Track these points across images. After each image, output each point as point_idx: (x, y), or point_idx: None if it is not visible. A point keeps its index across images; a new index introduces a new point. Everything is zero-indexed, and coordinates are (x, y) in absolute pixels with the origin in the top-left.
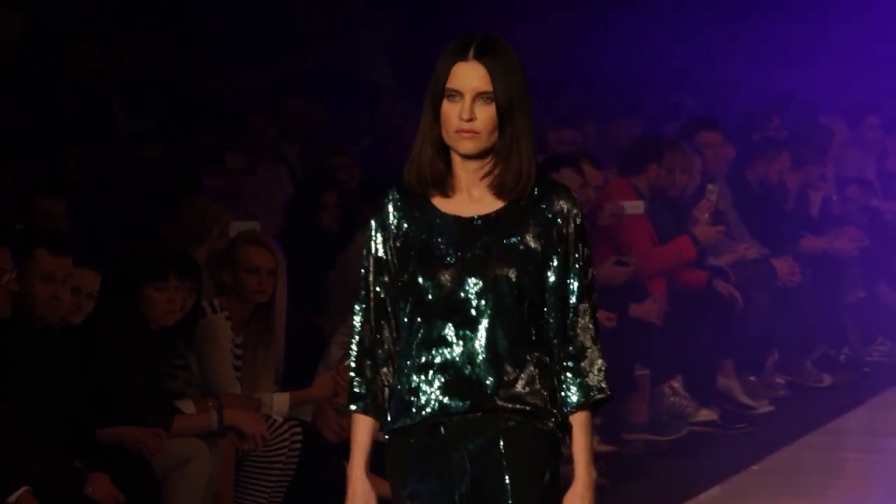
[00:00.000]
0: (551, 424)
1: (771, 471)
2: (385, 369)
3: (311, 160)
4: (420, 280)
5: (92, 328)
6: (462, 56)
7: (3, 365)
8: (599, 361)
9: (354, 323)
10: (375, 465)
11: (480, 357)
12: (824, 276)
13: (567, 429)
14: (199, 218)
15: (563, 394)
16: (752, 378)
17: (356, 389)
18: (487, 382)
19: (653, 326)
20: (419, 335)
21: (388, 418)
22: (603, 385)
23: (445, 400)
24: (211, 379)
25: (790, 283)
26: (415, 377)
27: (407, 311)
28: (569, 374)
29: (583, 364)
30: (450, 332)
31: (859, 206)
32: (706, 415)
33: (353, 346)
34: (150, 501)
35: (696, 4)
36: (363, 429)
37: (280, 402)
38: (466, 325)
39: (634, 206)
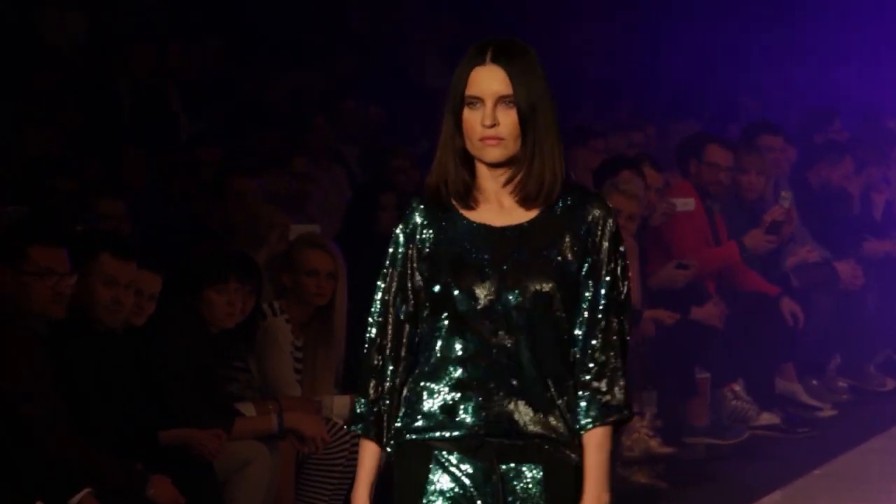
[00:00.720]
0: (577, 455)
1: (833, 475)
2: (392, 392)
3: (369, 162)
4: (455, 292)
5: (152, 330)
6: (479, 61)
7: (63, 367)
8: (622, 381)
9: (367, 341)
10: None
11: (522, 376)
12: (887, 280)
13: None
14: (257, 221)
15: (580, 412)
16: (814, 382)
17: (360, 410)
18: (529, 403)
19: (714, 329)
20: (456, 350)
21: (408, 429)
22: (623, 406)
23: (483, 419)
24: (271, 382)
25: (853, 286)
26: (449, 393)
27: (439, 324)
28: (588, 393)
29: (603, 382)
30: (483, 347)
31: None
32: (768, 418)
33: (365, 366)
34: None
35: (754, 7)
36: (368, 453)
37: (340, 404)
38: (504, 340)
39: (685, 204)
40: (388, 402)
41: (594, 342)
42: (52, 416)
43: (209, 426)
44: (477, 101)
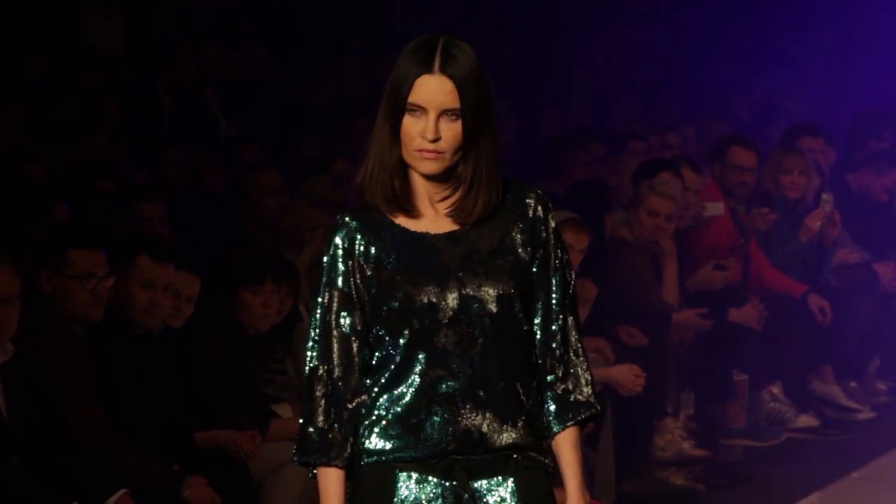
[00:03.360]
0: (550, 459)
1: (871, 478)
2: (346, 416)
3: None
4: (415, 306)
5: (189, 332)
6: (426, 68)
7: (101, 369)
8: (587, 375)
9: (309, 366)
10: None
11: (489, 383)
12: None
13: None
14: (300, 224)
15: (550, 415)
16: (852, 384)
17: (315, 440)
18: (499, 412)
19: (752, 331)
20: (418, 366)
21: (371, 451)
22: (592, 401)
23: (450, 438)
24: None
25: (893, 288)
26: (413, 415)
27: (399, 341)
28: (555, 394)
29: (570, 382)
30: (453, 361)
31: None
32: (806, 421)
33: (311, 392)
34: None
35: (796, 10)
36: (332, 480)
37: None
38: (471, 353)
39: (715, 208)
40: (343, 427)
41: (554, 343)
42: (90, 417)
43: (245, 427)
44: (419, 109)
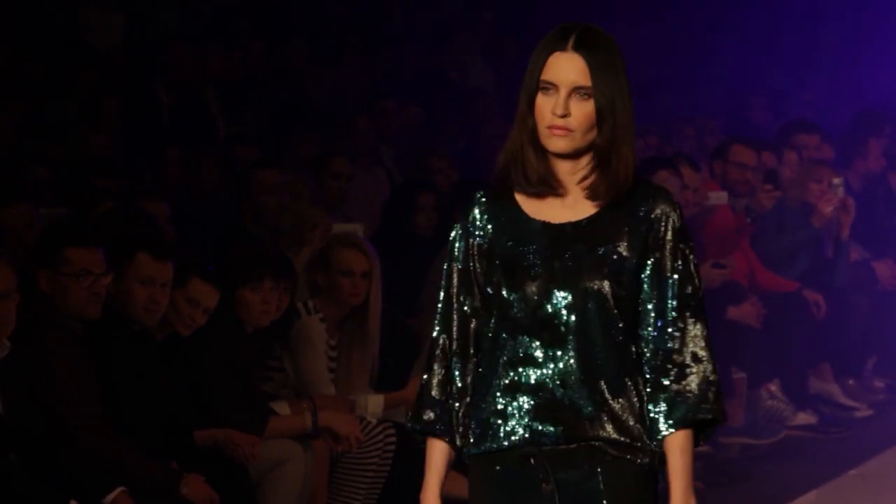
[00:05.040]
0: (648, 459)
1: (869, 476)
2: (463, 390)
3: (407, 162)
4: (504, 293)
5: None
6: (560, 46)
7: (100, 366)
8: (708, 381)
9: (433, 336)
10: None
11: (573, 378)
12: None
13: (663, 461)
14: (300, 222)
15: (659, 416)
16: (850, 382)
17: (426, 415)
18: (581, 407)
19: (750, 329)
20: (505, 352)
21: (471, 440)
22: (707, 406)
23: (536, 426)
24: (305, 381)
25: (892, 286)
26: (501, 399)
27: (492, 325)
28: (668, 395)
29: (683, 385)
30: (538, 350)
31: None
32: (804, 419)
33: (431, 365)
34: (246, 502)
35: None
36: (437, 451)
37: (374, 403)
38: (556, 343)
39: (719, 197)
40: (457, 403)
41: (671, 344)
42: (88, 415)
43: (244, 425)
44: (551, 86)
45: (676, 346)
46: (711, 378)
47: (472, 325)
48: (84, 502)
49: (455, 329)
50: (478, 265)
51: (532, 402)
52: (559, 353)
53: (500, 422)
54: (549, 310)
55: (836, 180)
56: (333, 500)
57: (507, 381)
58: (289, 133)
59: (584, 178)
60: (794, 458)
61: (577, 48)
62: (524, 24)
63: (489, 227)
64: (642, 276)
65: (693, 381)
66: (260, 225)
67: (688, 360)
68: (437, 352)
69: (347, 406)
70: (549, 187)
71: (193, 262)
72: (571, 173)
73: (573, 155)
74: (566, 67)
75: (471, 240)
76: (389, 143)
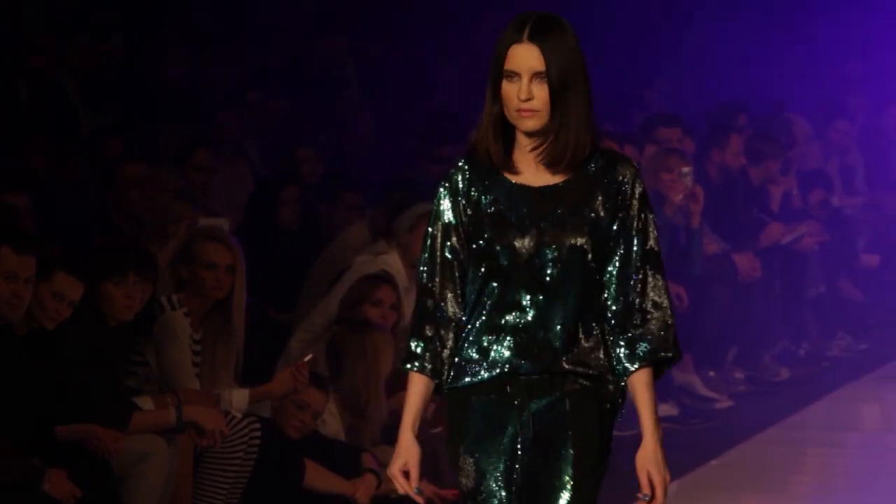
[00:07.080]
0: (611, 388)
1: (730, 466)
2: (446, 330)
3: (271, 156)
4: (496, 247)
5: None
6: (517, 38)
7: None
8: (666, 324)
9: (418, 284)
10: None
11: (553, 322)
12: (784, 271)
13: (623, 394)
14: (162, 215)
15: (624, 356)
16: (711, 373)
17: (414, 349)
18: (557, 346)
19: None
20: (493, 298)
21: (449, 378)
22: (666, 346)
23: (515, 360)
24: (170, 374)
25: (750, 277)
26: (485, 338)
27: (480, 274)
28: (631, 337)
29: (644, 329)
30: (524, 297)
31: (819, 200)
32: (665, 410)
33: (416, 307)
34: (109, 498)
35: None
36: (416, 388)
37: (239, 397)
38: (541, 292)
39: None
40: (443, 342)
41: (632, 294)
42: None
43: (107, 420)
44: (514, 75)
45: (639, 294)
46: (670, 322)
47: (455, 272)
48: None
49: (438, 276)
50: (463, 221)
51: (514, 341)
52: (542, 301)
53: (480, 357)
54: (537, 263)
55: (686, 169)
56: (197, 495)
57: (492, 323)
58: (152, 125)
59: (542, 149)
60: None
61: (532, 38)
62: (388, 21)
63: (473, 189)
64: (612, 234)
65: (654, 325)
66: (125, 218)
67: (649, 306)
68: (425, 296)
69: (212, 400)
70: (508, 169)
71: (58, 254)
72: (532, 147)
73: (539, 132)
74: (524, 56)
75: (458, 198)
76: (255, 136)
